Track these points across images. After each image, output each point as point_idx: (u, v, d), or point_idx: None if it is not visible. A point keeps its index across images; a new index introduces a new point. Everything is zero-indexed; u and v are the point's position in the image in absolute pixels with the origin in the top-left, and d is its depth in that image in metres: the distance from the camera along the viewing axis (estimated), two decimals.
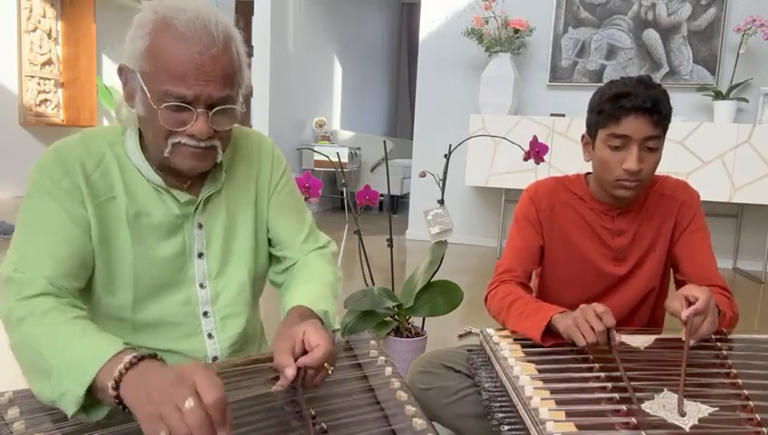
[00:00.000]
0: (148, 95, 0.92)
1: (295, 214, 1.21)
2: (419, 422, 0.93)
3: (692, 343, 1.12)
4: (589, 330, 1.11)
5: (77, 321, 0.86)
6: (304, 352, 0.87)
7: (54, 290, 0.90)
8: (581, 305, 1.16)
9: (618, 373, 1.08)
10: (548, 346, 1.19)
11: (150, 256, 1.03)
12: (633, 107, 1.26)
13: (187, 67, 0.90)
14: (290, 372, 0.84)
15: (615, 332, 1.12)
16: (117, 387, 0.74)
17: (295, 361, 0.86)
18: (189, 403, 0.66)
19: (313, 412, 0.90)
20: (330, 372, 0.89)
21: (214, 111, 0.94)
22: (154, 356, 0.78)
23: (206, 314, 1.08)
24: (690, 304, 1.13)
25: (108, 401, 0.76)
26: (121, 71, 0.97)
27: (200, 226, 1.08)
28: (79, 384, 0.75)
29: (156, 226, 1.03)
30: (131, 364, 0.75)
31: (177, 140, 0.96)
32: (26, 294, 0.87)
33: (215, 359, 1.08)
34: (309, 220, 1.24)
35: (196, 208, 1.07)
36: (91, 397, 0.77)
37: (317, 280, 1.12)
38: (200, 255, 1.08)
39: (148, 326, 1.05)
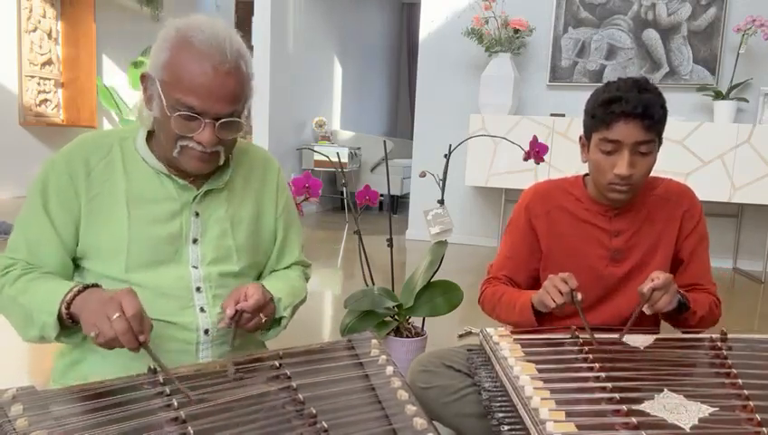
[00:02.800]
0: (164, 102, 1.04)
1: (289, 239, 1.32)
2: (420, 422, 0.93)
3: (647, 309, 1.22)
4: (556, 292, 1.22)
5: (42, 275, 1.08)
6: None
7: (28, 268, 1.09)
8: (549, 275, 1.27)
9: (617, 374, 1.08)
10: (542, 327, 1.29)
11: (145, 233, 1.11)
12: (623, 112, 1.25)
13: (200, 81, 1.02)
14: (229, 311, 1.06)
15: (579, 293, 1.23)
16: (69, 307, 0.99)
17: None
18: (116, 315, 0.91)
19: (314, 411, 0.90)
20: (263, 322, 1.10)
21: (220, 122, 1.06)
22: (97, 285, 1.03)
23: (198, 289, 1.14)
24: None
25: (67, 322, 1.00)
26: (144, 77, 1.09)
27: (197, 214, 1.16)
28: (50, 314, 0.99)
29: (154, 207, 1.13)
30: (79, 291, 1.00)
31: (185, 144, 1.07)
32: (5, 272, 1.08)
33: (206, 332, 1.13)
34: (300, 245, 1.36)
35: (195, 198, 1.15)
36: (64, 325, 1.01)
37: (283, 278, 1.27)
38: (195, 240, 1.16)
39: (142, 297, 1.08)
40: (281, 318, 1.18)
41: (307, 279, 1.37)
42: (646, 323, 1.42)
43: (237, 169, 1.22)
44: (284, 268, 1.32)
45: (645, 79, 1.31)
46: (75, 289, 1.00)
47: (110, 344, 0.93)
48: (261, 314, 1.10)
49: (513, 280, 1.49)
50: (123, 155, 1.13)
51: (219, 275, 1.16)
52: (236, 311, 1.06)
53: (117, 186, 1.11)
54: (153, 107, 1.08)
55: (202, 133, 1.05)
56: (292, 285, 1.25)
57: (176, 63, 1.02)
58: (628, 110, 1.25)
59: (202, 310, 1.13)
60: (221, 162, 1.13)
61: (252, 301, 1.07)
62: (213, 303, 1.14)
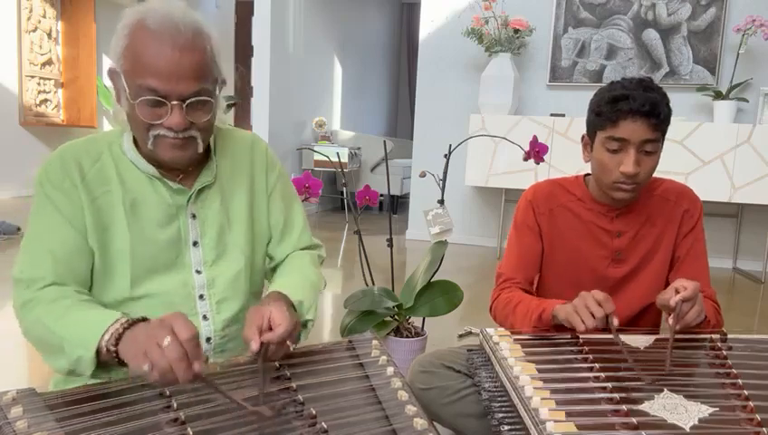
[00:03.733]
0: (127, 91, 1.00)
1: (289, 215, 1.28)
2: (420, 422, 0.93)
3: (677, 328, 1.15)
4: (588, 316, 1.14)
5: (81, 302, 1.00)
6: (270, 330, 0.98)
7: (59, 281, 1.01)
8: (582, 293, 1.18)
9: (619, 374, 1.08)
10: (547, 335, 1.23)
11: (146, 241, 1.09)
12: (631, 110, 1.25)
13: (158, 62, 0.97)
14: (254, 345, 0.95)
15: (614, 317, 1.16)
16: (116, 344, 0.88)
17: (260, 336, 0.97)
18: (167, 340, 0.81)
19: (314, 411, 0.90)
20: (291, 349, 1.01)
21: (187, 103, 1.01)
22: (146, 319, 0.92)
23: (201, 296, 1.12)
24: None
25: (108, 359, 0.90)
26: (110, 72, 1.05)
27: (194, 216, 1.14)
28: (87, 349, 0.89)
29: (151, 213, 1.10)
30: (130, 324, 0.90)
31: (156, 133, 1.02)
32: (35, 288, 1.00)
33: (208, 340, 1.11)
34: (302, 222, 1.31)
35: (189, 199, 1.13)
36: (101, 360, 0.91)
37: (299, 273, 1.21)
38: (195, 243, 1.14)
39: (144, 308, 1.07)
40: (305, 322, 1.11)
41: (322, 261, 1.33)
42: (645, 323, 1.42)
43: (223, 158, 1.18)
44: (293, 254, 1.27)
45: (649, 78, 1.31)
46: (125, 320, 0.91)
47: (167, 377, 0.81)
48: (287, 342, 0.99)
49: (528, 279, 1.46)
50: (115, 161, 1.10)
51: (223, 280, 1.14)
52: (262, 344, 0.96)
53: (114, 194, 1.08)
54: (122, 101, 1.04)
55: (171, 117, 1.00)
56: (311, 280, 1.19)
57: (133, 48, 0.99)
58: (636, 107, 1.25)
59: (205, 318, 1.11)
60: (200, 149, 1.08)
61: (279, 331, 0.97)
62: (216, 309, 1.13)
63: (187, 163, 1.10)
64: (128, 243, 1.07)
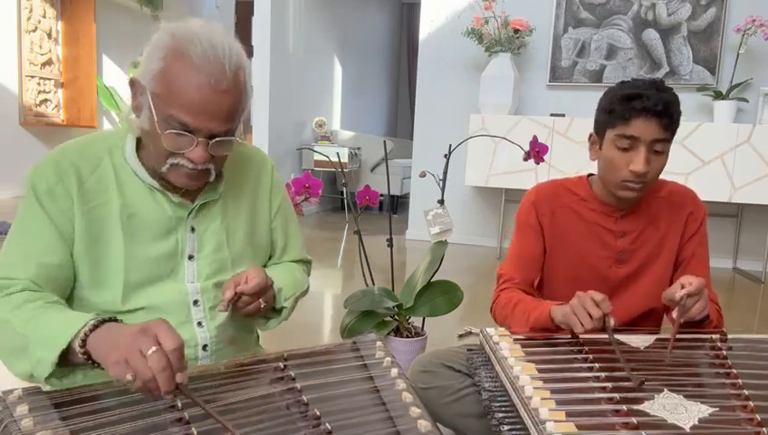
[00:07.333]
0: (155, 116, 0.98)
1: (289, 237, 1.31)
2: (424, 424, 0.93)
3: (681, 320, 1.18)
4: (586, 317, 1.13)
5: (50, 304, 0.96)
6: None
7: (34, 288, 0.98)
8: (578, 293, 1.17)
9: (618, 373, 1.09)
10: (547, 335, 1.24)
11: (142, 253, 1.07)
12: (644, 108, 1.26)
13: (195, 98, 0.95)
14: (228, 293, 1.05)
15: (612, 317, 1.15)
16: (84, 345, 0.84)
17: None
18: (152, 350, 0.77)
19: (318, 412, 0.91)
20: (261, 306, 1.09)
21: (213, 141, 1.00)
22: (115, 319, 0.89)
23: (196, 302, 1.11)
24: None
25: (79, 361, 0.86)
26: (133, 83, 1.02)
27: (192, 229, 1.13)
28: (52, 350, 0.85)
29: (149, 225, 1.08)
30: (96, 325, 0.86)
31: (175, 161, 1.02)
32: (5, 292, 0.96)
33: (204, 347, 1.10)
34: (300, 242, 1.34)
35: (190, 213, 1.12)
36: (66, 363, 0.87)
37: (285, 269, 1.26)
38: (190, 257, 1.12)
39: (138, 316, 1.06)
40: (281, 309, 1.16)
41: (307, 274, 1.36)
42: (647, 325, 1.42)
43: (230, 175, 1.17)
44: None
45: (661, 80, 1.31)
46: (91, 322, 0.86)
47: (149, 387, 0.78)
48: (260, 299, 1.08)
49: (527, 280, 1.46)
50: (115, 169, 1.07)
51: (215, 286, 1.13)
52: (235, 293, 1.04)
53: (112, 204, 1.05)
54: (142, 117, 1.01)
55: (194, 151, 0.99)
56: (294, 276, 1.24)
57: (169, 76, 0.95)
58: (649, 106, 1.25)
59: (200, 324, 1.10)
60: (211, 179, 1.08)
61: (252, 283, 1.06)
62: (210, 316, 1.12)
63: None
64: (122, 257, 1.05)
